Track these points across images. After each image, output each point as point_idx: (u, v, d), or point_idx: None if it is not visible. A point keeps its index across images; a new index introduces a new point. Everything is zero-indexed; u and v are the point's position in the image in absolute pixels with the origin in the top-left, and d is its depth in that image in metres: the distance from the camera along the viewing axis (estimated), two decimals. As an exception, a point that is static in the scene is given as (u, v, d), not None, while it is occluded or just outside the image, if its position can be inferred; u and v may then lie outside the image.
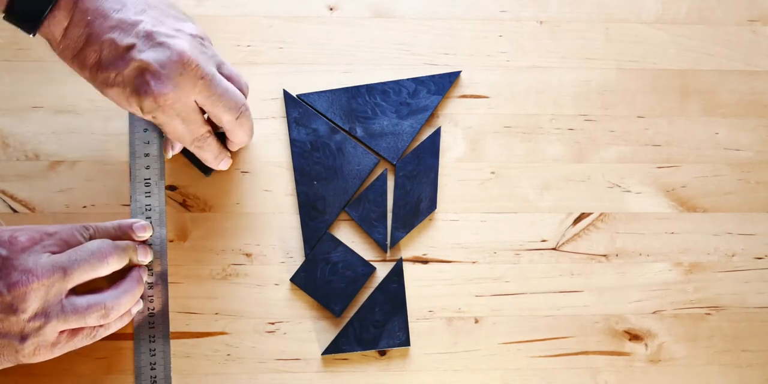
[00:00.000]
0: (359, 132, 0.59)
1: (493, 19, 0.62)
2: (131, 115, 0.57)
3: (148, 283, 0.55)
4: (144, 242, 0.55)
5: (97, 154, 0.57)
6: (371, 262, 0.58)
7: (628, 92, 0.61)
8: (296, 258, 0.58)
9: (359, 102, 0.59)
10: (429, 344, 0.57)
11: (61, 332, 0.48)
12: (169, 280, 0.56)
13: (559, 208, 0.60)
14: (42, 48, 0.58)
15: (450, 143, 0.60)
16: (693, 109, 0.62)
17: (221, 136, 0.54)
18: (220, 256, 0.57)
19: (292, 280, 0.57)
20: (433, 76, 0.60)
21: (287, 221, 0.58)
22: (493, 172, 0.60)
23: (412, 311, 0.57)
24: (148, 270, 0.55)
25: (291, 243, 0.58)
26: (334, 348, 0.56)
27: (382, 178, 0.59)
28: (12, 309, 0.45)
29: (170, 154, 0.55)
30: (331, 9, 0.61)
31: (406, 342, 0.57)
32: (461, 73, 0.60)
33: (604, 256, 0.59)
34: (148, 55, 0.46)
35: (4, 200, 0.56)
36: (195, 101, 0.49)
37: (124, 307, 0.51)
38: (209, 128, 0.52)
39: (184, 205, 0.57)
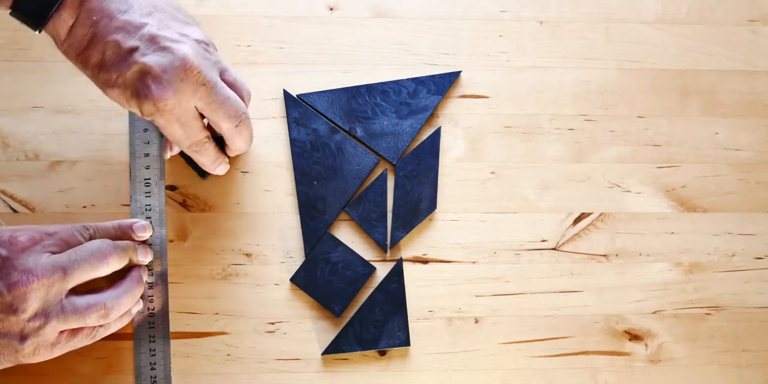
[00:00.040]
0: (359, 132, 0.59)
1: (493, 19, 0.62)
2: (131, 115, 0.57)
3: (148, 283, 0.55)
4: (144, 242, 0.55)
5: (97, 154, 0.57)
6: (371, 262, 0.58)
7: (628, 92, 0.61)
8: (296, 258, 0.58)
9: (359, 102, 0.59)
10: (429, 344, 0.57)
11: (61, 332, 0.48)
12: (169, 280, 0.56)
13: (559, 208, 0.60)
14: (42, 48, 0.58)
15: (450, 143, 0.60)
16: (693, 109, 0.62)
17: (220, 141, 0.54)
18: (220, 256, 0.57)
19: (292, 280, 0.57)
20: (433, 76, 0.60)
21: (287, 221, 0.58)
22: (493, 172, 0.60)
23: (412, 311, 0.57)
24: (148, 270, 0.55)
25: (291, 243, 0.58)
26: (334, 348, 0.56)
27: (382, 178, 0.59)
28: (12, 309, 0.45)
29: (168, 154, 0.55)
30: (331, 9, 0.61)
31: (406, 342, 0.57)
32: (461, 73, 0.60)
33: (604, 256, 0.59)
34: (150, 59, 0.46)
35: (4, 200, 0.56)
36: (195, 107, 0.49)
37: (124, 307, 0.51)
38: (208, 134, 0.52)
39: (184, 205, 0.57)
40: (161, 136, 0.56)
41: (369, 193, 0.58)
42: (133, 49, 0.46)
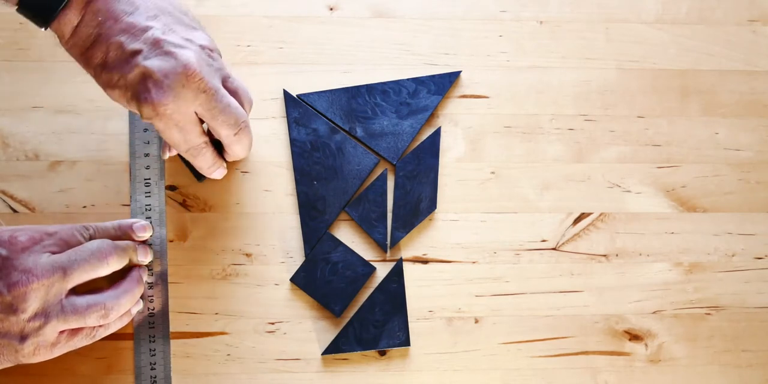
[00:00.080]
0: (359, 132, 0.59)
1: (493, 19, 0.62)
2: (131, 115, 0.57)
3: (148, 283, 0.55)
4: (144, 242, 0.55)
5: (97, 154, 0.57)
6: (371, 262, 0.58)
7: (628, 92, 0.61)
8: (296, 258, 0.58)
9: (359, 102, 0.59)
10: (429, 344, 0.57)
11: (61, 332, 0.48)
12: (169, 280, 0.56)
13: (559, 208, 0.60)
14: (42, 48, 0.58)
15: (450, 143, 0.60)
16: (693, 109, 0.62)
17: (219, 146, 0.54)
18: (220, 256, 0.57)
19: (292, 280, 0.57)
20: (433, 76, 0.60)
21: (287, 221, 0.58)
22: (493, 172, 0.60)
23: (412, 311, 0.57)
24: (148, 270, 0.55)
25: (291, 243, 0.58)
26: (334, 348, 0.56)
27: (382, 178, 0.59)
28: (12, 309, 0.45)
29: (167, 154, 0.55)
30: (331, 9, 0.61)
31: (406, 342, 0.57)
32: (461, 73, 0.60)
33: (604, 256, 0.59)
34: (152, 63, 0.46)
35: (4, 200, 0.56)
36: (195, 113, 0.48)
37: (124, 307, 0.51)
38: (206, 139, 0.51)
39: (184, 205, 0.57)
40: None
41: (369, 193, 0.58)
42: (136, 52, 0.46)
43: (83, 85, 0.58)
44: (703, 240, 0.60)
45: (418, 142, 0.60)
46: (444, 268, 0.58)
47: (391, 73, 0.60)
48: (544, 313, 0.58)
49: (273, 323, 0.57)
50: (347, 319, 0.57)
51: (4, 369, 0.48)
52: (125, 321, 0.53)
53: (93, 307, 0.48)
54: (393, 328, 0.57)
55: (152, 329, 0.55)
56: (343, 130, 0.59)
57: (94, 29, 0.46)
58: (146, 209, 0.56)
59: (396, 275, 0.57)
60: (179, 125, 0.48)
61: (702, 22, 0.63)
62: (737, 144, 0.61)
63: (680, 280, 0.59)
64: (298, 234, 0.58)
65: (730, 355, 0.59)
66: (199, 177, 0.57)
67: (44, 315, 0.46)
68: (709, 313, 0.59)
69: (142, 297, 0.55)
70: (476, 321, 0.58)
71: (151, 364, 0.55)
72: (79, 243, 0.50)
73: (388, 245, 0.58)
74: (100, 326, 0.50)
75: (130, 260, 0.52)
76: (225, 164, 0.55)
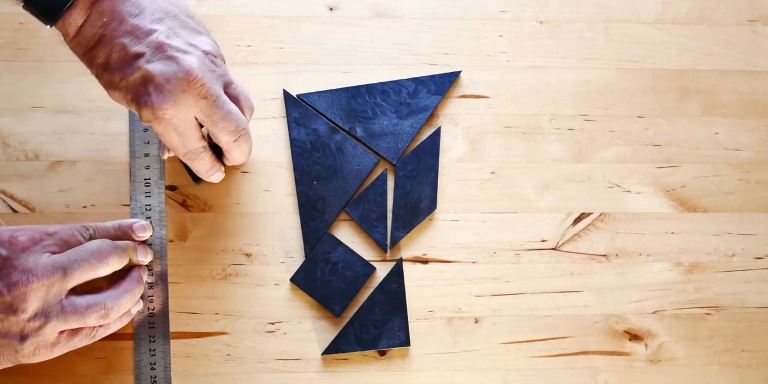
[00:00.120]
0: (359, 132, 0.59)
1: (493, 19, 0.62)
2: (131, 115, 0.57)
3: (148, 283, 0.55)
4: (144, 242, 0.55)
5: (97, 154, 0.57)
6: (371, 262, 0.58)
7: (628, 92, 0.61)
8: (296, 258, 0.58)
9: (359, 102, 0.59)
10: (429, 344, 0.57)
11: (61, 332, 0.48)
12: (169, 280, 0.56)
13: (559, 208, 0.60)
14: (42, 48, 0.58)
15: (450, 143, 0.60)
16: (693, 109, 0.62)
17: (217, 150, 0.54)
18: (220, 256, 0.57)
19: (292, 280, 0.57)
20: (433, 76, 0.60)
21: (287, 221, 0.58)
22: (493, 172, 0.60)
23: (412, 311, 0.57)
24: (148, 270, 0.55)
25: (291, 243, 0.58)
26: (334, 348, 0.56)
27: (382, 178, 0.59)
28: (12, 309, 0.45)
29: (166, 155, 0.55)
30: (331, 9, 0.61)
31: (406, 342, 0.57)
32: (461, 73, 0.60)
33: (604, 256, 0.59)
34: (154, 67, 0.46)
35: (4, 200, 0.56)
36: (194, 118, 0.48)
37: (124, 307, 0.51)
38: (205, 144, 0.51)
39: (184, 205, 0.57)
40: (161, 136, 0.56)
41: (369, 193, 0.58)
42: (139, 55, 0.46)
43: (83, 85, 0.58)
44: (703, 240, 0.60)
45: (418, 142, 0.60)
46: (444, 268, 0.58)
47: (391, 73, 0.60)
48: (544, 313, 0.58)
49: (273, 323, 0.57)
50: (347, 319, 0.57)
51: (4, 369, 0.48)
52: (125, 321, 0.53)
53: (93, 307, 0.48)
54: (393, 328, 0.57)
55: (152, 329, 0.55)
56: (343, 130, 0.59)
57: (99, 29, 0.46)
58: (146, 209, 0.56)
59: (396, 275, 0.57)
60: (178, 130, 0.48)
61: (702, 22, 0.63)
62: (737, 144, 0.61)
63: (680, 280, 0.59)
64: (298, 234, 0.58)
65: (730, 355, 0.59)
66: (197, 179, 0.57)
67: (44, 315, 0.46)
68: (709, 313, 0.59)
69: (142, 297, 0.55)
70: (476, 321, 0.58)
71: (151, 364, 0.55)
72: (79, 243, 0.50)
73: (388, 245, 0.58)
74: (100, 326, 0.50)
75: (130, 260, 0.52)
76: (223, 168, 0.55)
